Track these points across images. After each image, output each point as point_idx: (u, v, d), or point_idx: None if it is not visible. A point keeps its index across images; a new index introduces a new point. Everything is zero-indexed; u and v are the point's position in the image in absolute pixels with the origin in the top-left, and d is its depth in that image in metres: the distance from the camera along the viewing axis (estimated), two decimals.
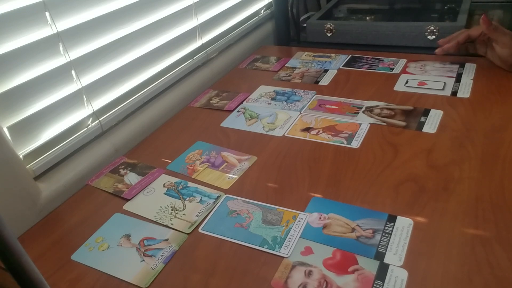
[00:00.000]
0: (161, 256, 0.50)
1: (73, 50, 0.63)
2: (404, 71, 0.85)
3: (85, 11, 0.64)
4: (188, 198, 0.59)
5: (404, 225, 0.50)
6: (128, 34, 0.72)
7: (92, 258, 0.51)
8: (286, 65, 0.96)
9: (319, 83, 0.85)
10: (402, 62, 0.89)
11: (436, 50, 0.82)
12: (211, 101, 0.85)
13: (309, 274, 0.45)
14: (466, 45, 0.83)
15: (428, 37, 0.94)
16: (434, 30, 0.93)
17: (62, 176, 0.63)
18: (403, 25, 0.97)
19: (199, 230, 0.53)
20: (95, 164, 0.67)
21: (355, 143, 0.65)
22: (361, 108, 0.74)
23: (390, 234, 0.49)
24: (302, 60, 0.97)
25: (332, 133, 0.68)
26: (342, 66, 0.91)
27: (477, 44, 0.81)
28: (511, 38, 0.73)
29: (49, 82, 0.60)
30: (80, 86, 0.65)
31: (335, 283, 0.44)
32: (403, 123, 0.68)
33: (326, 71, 0.90)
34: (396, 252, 0.46)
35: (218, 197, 0.58)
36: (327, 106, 0.76)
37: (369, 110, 0.73)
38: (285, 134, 0.70)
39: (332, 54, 0.98)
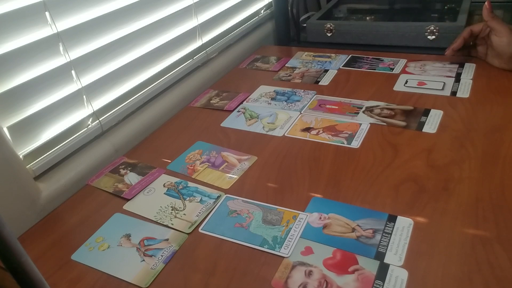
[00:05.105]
0: (161, 256, 0.50)
1: (73, 50, 0.63)
2: (403, 71, 0.85)
3: (85, 11, 0.64)
4: (188, 198, 0.59)
5: (404, 225, 0.50)
6: (128, 34, 0.71)
7: (92, 258, 0.51)
8: (286, 65, 0.96)
9: (319, 83, 0.85)
10: (402, 62, 0.89)
11: (446, 52, 0.82)
12: (211, 101, 0.85)
13: (309, 274, 0.45)
14: (468, 48, 0.84)
15: (428, 37, 0.94)
16: (434, 30, 0.93)
17: (62, 176, 0.63)
18: (403, 25, 0.97)
19: (199, 230, 0.53)
20: (95, 164, 0.67)
21: (355, 143, 0.65)
22: (361, 108, 0.74)
23: (390, 234, 0.49)
24: (302, 60, 0.97)
25: (332, 133, 0.68)
26: (342, 66, 0.91)
27: (478, 46, 0.83)
28: (509, 29, 0.74)
29: (49, 82, 0.60)
30: (80, 86, 0.65)
31: (335, 283, 0.44)
32: (403, 123, 0.68)
33: (326, 71, 0.90)
34: (396, 252, 0.46)
35: (218, 197, 0.58)
36: (327, 106, 0.76)
37: (369, 110, 0.73)
38: (285, 134, 0.70)
39: (332, 54, 0.98)
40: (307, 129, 0.71)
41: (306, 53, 1.00)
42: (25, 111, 0.58)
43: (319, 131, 0.70)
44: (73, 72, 0.63)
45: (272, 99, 0.82)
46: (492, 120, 0.66)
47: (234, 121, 0.77)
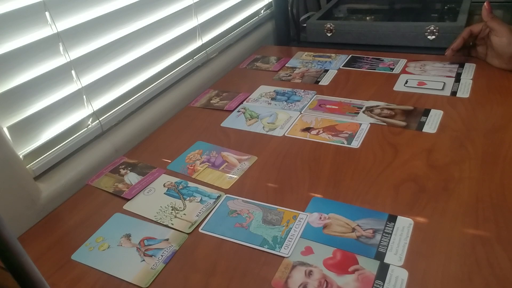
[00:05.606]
0: (161, 256, 0.50)
1: (73, 50, 0.63)
2: (403, 71, 0.85)
3: (85, 11, 0.64)
4: (188, 198, 0.59)
5: (404, 225, 0.50)
6: (128, 34, 0.71)
7: (92, 258, 0.51)
8: (286, 65, 0.96)
9: (319, 83, 0.85)
10: (402, 62, 0.89)
11: (446, 53, 0.82)
12: (211, 101, 0.85)
13: (309, 274, 0.45)
14: (468, 48, 0.84)
15: (428, 37, 0.94)
16: (434, 30, 0.93)
17: (62, 176, 0.63)
18: (403, 25, 0.97)
19: (200, 230, 0.53)
20: (95, 164, 0.67)
21: (355, 143, 0.65)
22: (361, 108, 0.74)
23: (391, 234, 0.49)
24: (302, 60, 0.97)
25: (332, 133, 0.68)
26: (342, 66, 0.91)
27: (478, 46, 0.83)
28: (508, 29, 0.74)
29: (49, 82, 0.60)
30: (80, 86, 0.65)
31: (335, 283, 0.44)
32: (403, 123, 0.68)
33: (326, 71, 0.90)
34: (396, 252, 0.46)
35: (219, 197, 0.58)
36: (327, 106, 0.76)
37: (369, 110, 0.73)
38: (285, 134, 0.70)
39: (332, 54, 0.98)
40: (307, 129, 0.71)
41: (306, 53, 1.00)
42: (25, 111, 0.58)
43: (319, 131, 0.70)
44: (73, 72, 0.63)
45: (272, 99, 0.82)
46: (492, 120, 0.66)
47: (234, 121, 0.77)
